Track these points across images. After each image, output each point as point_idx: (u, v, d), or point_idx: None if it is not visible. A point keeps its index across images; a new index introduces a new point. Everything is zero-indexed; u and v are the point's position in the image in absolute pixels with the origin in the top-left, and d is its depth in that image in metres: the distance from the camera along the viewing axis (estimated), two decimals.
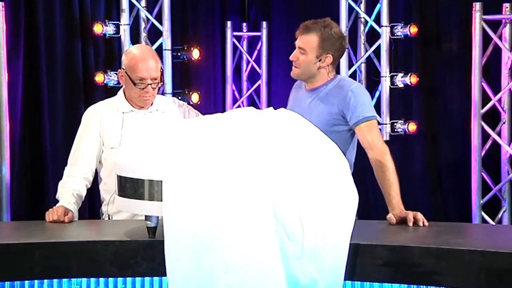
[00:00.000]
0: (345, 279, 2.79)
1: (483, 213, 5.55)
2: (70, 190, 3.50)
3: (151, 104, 3.69)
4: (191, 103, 5.68)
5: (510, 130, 5.59)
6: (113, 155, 3.43)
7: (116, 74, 5.49)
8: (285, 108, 3.65)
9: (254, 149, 2.76)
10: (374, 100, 5.82)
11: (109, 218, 3.63)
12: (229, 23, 6.21)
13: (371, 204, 5.50)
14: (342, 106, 3.55)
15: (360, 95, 3.57)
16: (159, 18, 5.69)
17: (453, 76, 5.83)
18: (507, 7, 5.46)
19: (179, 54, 5.82)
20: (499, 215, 5.64)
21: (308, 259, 2.72)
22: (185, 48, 5.85)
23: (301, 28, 3.65)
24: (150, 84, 3.57)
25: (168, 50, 5.68)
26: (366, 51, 5.89)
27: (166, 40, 5.67)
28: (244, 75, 6.43)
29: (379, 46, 5.75)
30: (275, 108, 3.07)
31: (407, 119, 5.77)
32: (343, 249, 2.77)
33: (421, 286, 2.85)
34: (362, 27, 5.92)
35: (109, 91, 5.35)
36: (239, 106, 6.30)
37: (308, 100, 3.65)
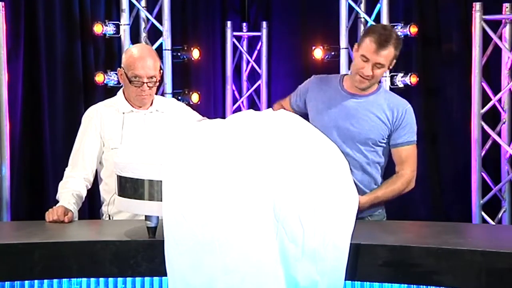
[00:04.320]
0: (345, 280, 2.79)
1: (483, 213, 5.55)
2: (70, 191, 3.50)
3: (151, 104, 3.69)
4: (191, 103, 5.68)
5: (510, 130, 5.59)
6: (114, 155, 3.42)
7: (116, 74, 5.49)
8: (304, 98, 3.65)
9: (254, 150, 2.76)
10: None
11: (109, 219, 3.63)
12: (229, 23, 6.21)
13: None
14: (394, 121, 3.55)
15: (412, 117, 3.59)
16: (159, 18, 5.69)
17: (453, 76, 5.83)
18: (507, 7, 5.46)
19: (179, 54, 5.82)
20: (499, 215, 5.64)
21: (309, 260, 2.72)
22: (185, 48, 5.85)
23: (375, 41, 3.46)
24: (146, 82, 3.56)
25: (168, 50, 5.68)
26: None
27: (166, 40, 5.67)
28: (244, 75, 6.43)
29: None
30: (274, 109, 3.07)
31: None
32: (344, 250, 2.77)
33: (421, 286, 2.86)
34: (362, 27, 5.91)
35: (109, 91, 5.35)
36: (239, 106, 6.31)
37: (352, 103, 3.58)
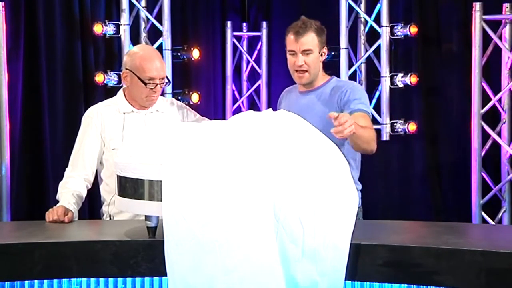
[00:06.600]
0: (345, 280, 2.79)
1: (483, 213, 5.55)
2: (70, 191, 3.50)
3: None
4: (191, 103, 5.69)
5: (510, 130, 5.59)
6: (115, 156, 3.42)
7: (116, 74, 5.50)
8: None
9: (254, 150, 2.76)
10: (374, 100, 5.82)
11: (110, 219, 3.63)
12: (229, 23, 6.21)
13: (369, 203, 5.49)
14: (340, 102, 3.58)
15: (358, 91, 3.61)
16: (159, 18, 5.70)
17: (453, 76, 5.83)
18: (507, 7, 5.46)
19: (179, 54, 5.82)
20: (499, 215, 5.64)
21: (309, 261, 2.72)
22: (185, 48, 5.85)
23: (293, 33, 3.60)
24: (159, 83, 3.59)
25: (168, 50, 5.68)
26: (366, 51, 5.89)
27: (166, 40, 5.67)
28: (244, 75, 6.43)
29: (379, 46, 5.75)
30: (274, 109, 3.07)
31: (407, 119, 5.77)
32: (344, 250, 2.77)
33: (421, 286, 2.86)
34: (362, 27, 5.92)
35: (109, 91, 5.35)
36: (239, 106, 6.31)
37: (304, 100, 3.66)
